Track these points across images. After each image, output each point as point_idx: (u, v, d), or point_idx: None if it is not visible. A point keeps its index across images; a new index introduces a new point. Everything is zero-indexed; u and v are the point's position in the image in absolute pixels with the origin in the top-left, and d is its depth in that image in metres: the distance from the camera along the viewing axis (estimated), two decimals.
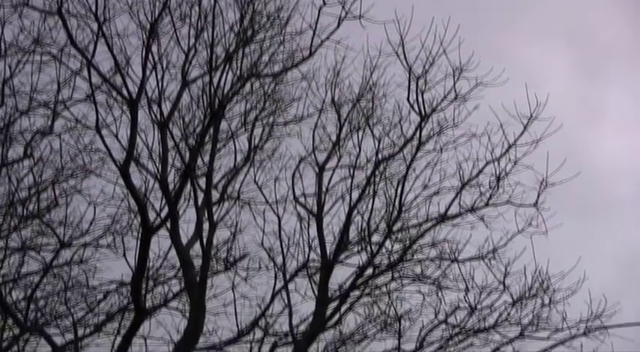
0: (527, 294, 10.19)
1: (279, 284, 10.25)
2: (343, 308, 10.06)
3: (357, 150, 10.96)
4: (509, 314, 10.28)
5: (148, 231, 9.17)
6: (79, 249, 11.74)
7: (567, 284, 10.31)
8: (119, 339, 9.82)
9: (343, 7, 10.34)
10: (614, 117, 18.04)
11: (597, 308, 10.29)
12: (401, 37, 10.47)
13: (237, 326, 10.21)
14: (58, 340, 10.68)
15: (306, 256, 10.27)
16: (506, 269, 10.08)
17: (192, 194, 10.14)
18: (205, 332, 10.50)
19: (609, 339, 10.34)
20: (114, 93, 10.03)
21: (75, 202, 11.55)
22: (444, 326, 10.34)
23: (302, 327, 10.26)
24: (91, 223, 11.53)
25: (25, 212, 11.00)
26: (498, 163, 10.64)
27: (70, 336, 11.32)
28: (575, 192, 13.92)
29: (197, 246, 10.64)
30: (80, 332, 11.33)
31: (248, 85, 10.94)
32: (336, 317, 10.00)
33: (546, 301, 10.32)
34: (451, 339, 10.27)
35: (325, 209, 10.66)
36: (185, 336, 10.07)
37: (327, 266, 10.05)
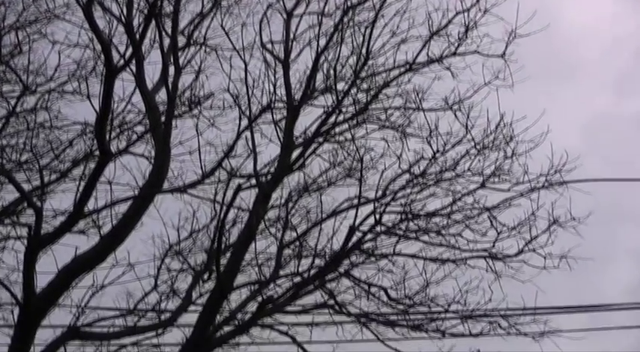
0: (490, 145, 10.24)
1: (243, 126, 10.22)
2: (308, 153, 10.07)
3: None
4: (471, 164, 10.35)
5: (111, 72, 9.01)
6: (44, 95, 11.65)
7: (530, 136, 10.39)
8: (84, 184, 9.77)
9: None
10: None
11: (559, 162, 10.39)
12: None
13: (202, 168, 10.24)
14: (25, 187, 10.64)
15: (272, 99, 10.21)
16: (468, 116, 10.06)
17: (157, 37, 9.97)
18: (170, 177, 10.58)
19: (568, 193, 10.49)
20: None
21: (39, 47, 11.39)
22: (407, 175, 10.43)
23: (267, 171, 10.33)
24: (55, 69, 11.43)
25: None
26: (468, 14, 10.52)
27: (36, 183, 11.39)
28: (544, 50, 13.90)
29: (162, 93, 10.60)
30: (46, 178, 11.39)
31: None
32: (301, 161, 10.02)
33: (509, 153, 10.40)
34: (413, 188, 10.36)
35: (292, 56, 10.56)
36: (150, 179, 10.13)
37: (292, 111, 10.01)
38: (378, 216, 9.89)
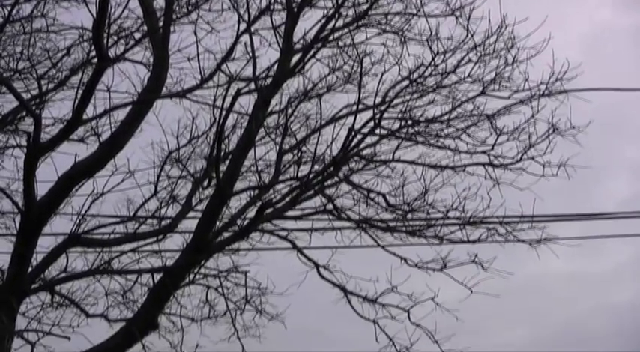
0: (491, 51, 10.13)
1: (242, 29, 10.10)
2: (307, 57, 9.96)
3: None
4: (471, 70, 10.27)
5: None
6: (40, 1, 11.48)
7: (531, 44, 10.28)
8: (82, 91, 9.68)
9: None
10: None
11: (559, 70, 10.31)
12: None
13: (201, 73, 10.15)
14: (23, 96, 10.56)
15: (271, 1, 10.05)
16: (469, 18, 9.91)
17: None
18: (169, 84, 10.51)
19: (568, 101, 10.44)
20: None
21: None
22: (406, 82, 10.35)
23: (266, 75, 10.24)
24: None
25: None
26: None
27: (34, 92, 11.32)
28: None
29: None
30: (44, 87, 11.32)
31: None
32: (300, 66, 9.92)
33: (509, 60, 10.30)
34: (413, 95, 10.30)
35: None
36: (148, 85, 10.06)
37: (292, 15, 9.87)
38: (377, 119, 9.83)
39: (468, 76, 10.30)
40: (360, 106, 10.04)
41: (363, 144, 10.00)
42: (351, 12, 10.12)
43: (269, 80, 10.20)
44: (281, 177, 10.06)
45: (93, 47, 10.02)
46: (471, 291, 10.10)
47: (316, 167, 9.89)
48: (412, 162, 10.29)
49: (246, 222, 9.91)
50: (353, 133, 9.51)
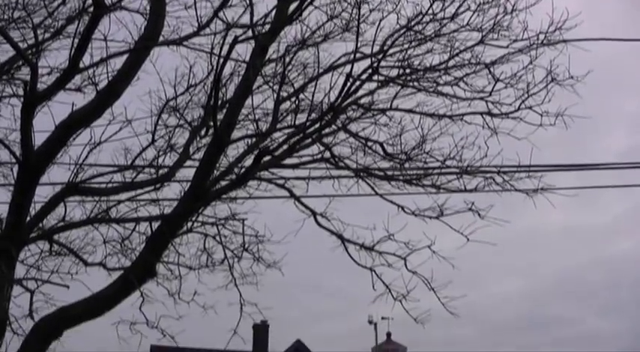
0: None
1: None
2: (305, 4, 9.88)
3: None
4: (470, 19, 10.19)
5: None
6: None
7: None
8: (78, 39, 9.62)
9: None
10: None
11: (559, 19, 10.24)
12: None
13: (198, 20, 10.09)
14: (20, 46, 10.50)
15: None
16: None
17: None
18: (166, 32, 10.44)
19: (567, 51, 10.38)
20: None
21: None
22: (404, 31, 10.27)
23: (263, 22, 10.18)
24: None
25: None
26: None
27: (31, 41, 11.25)
28: None
29: None
30: (40, 37, 11.25)
31: None
32: (298, 13, 9.84)
33: (508, 8, 10.23)
34: (411, 43, 10.24)
35: None
36: (145, 33, 10.00)
37: None
38: (375, 67, 9.78)
39: (467, 24, 10.22)
40: (358, 55, 9.98)
41: (361, 92, 9.98)
42: None
43: (266, 27, 10.13)
44: (278, 126, 10.04)
45: None
46: (467, 239, 10.14)
47: (314, 115, 9.86)
48: (410, 111, 10.26)
49: (243, 170, 9.92)
50: (351, 79, 9.46)
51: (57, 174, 10.58)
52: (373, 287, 10.31)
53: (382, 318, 65.06)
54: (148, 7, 10.44)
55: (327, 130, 9.99)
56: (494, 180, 10.33)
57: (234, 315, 10.54)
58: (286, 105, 10.43)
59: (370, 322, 65.27)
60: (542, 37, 10.30)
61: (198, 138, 10.69)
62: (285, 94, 10.27)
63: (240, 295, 10.52)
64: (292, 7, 10.00)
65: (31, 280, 10.32)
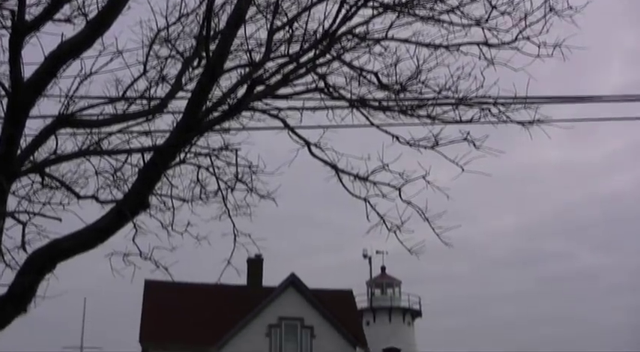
0: None
1: None
2: None
3: None
4: None
5: None
6: None
7: None
8: None
9: None
10: None
11: None
12: None
13: None
14: None
15: None
16: None
17: None
18: None
19: None
20: None
21: None
22: None
23: None
24: None
25: None
26: None
27: None
28: None
29: None
30: None
31: None
32: None
33: None
34: None
35: None
36: None
37: None
38: None
39: None
40: None
41: (355, 21, 9.81)
42: None
43: None
44: (272, 56, 9.89)
45: None
46: (462, 170, 10.09)
47: (307, 45, 9.70)
48: (405, 41, 10.11)
49: (236, 100, 9.80)
50: (345, 5, 9.28)
51: (47, 106, 10.46)
52: (367, 218, 10.28)
53: (377, 252, 65.98)
54: None
55: (321, 60, 9.86)
56: (490, 111, 10.23)
57: (227, 248, 10.55)
58: (280, 35, 10.26)
59: (365, 256, 66.03)
60: None
61: (190, 69, 10.54)
62: (278, 24, 10.10)
63: (234, 225, 10.52)
64: None
65: (23, 213, 10.28)
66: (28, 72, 9.57)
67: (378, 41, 10.05)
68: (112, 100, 10.57)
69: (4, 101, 10.07)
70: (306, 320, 44.00)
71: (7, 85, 9.91)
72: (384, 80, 10.06)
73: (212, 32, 9.87)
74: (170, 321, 43.32)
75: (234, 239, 10.35)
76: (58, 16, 10.07)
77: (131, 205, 9.68)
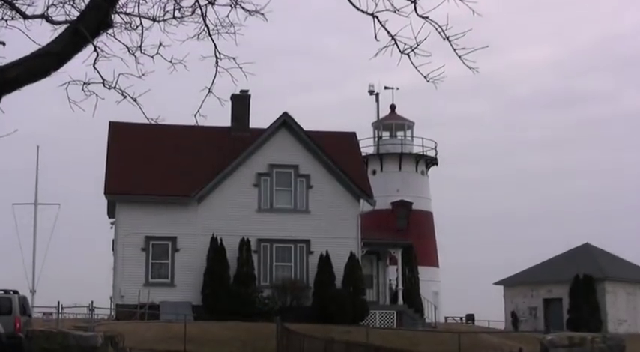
0: None
1: None
2: None
3: None
4: None
5: None
6: None
7: None
8: None
9: None
10: None
11: None
12: None
13: None
14: None
15: None
16: None
17: None
18: None
19: None
20: None
21: None
22: None
23: None
24: None
25: None
26: None
27: None
28: None
29: None
30: None
31: None
32: None
33: None
34: None
35: None
36: None
37: None
38: None
39: None
40: None
41: None
42: None
43: None
44: None
45: None
46: None
47: None
48: None
49: None
50: None
51: None
52: (376, 37, 10.02)
53: (385, 88, 65.83)
54: None
55: None
56: None
57: (207, 80, 10.33)
58: None
59: (371, 92, 65.90)
60: None
61: None
62: None
63: (215, 46, 10.30)
64: None
65: None
66: None
67: None
68: None
69: None
70: (301, 168, 44.19)
71: None
72: None
73: None
74: (140, 171, 43.54)
75: (216, 62, 10.19)
76: None
77: (90, 24, 9.51)
